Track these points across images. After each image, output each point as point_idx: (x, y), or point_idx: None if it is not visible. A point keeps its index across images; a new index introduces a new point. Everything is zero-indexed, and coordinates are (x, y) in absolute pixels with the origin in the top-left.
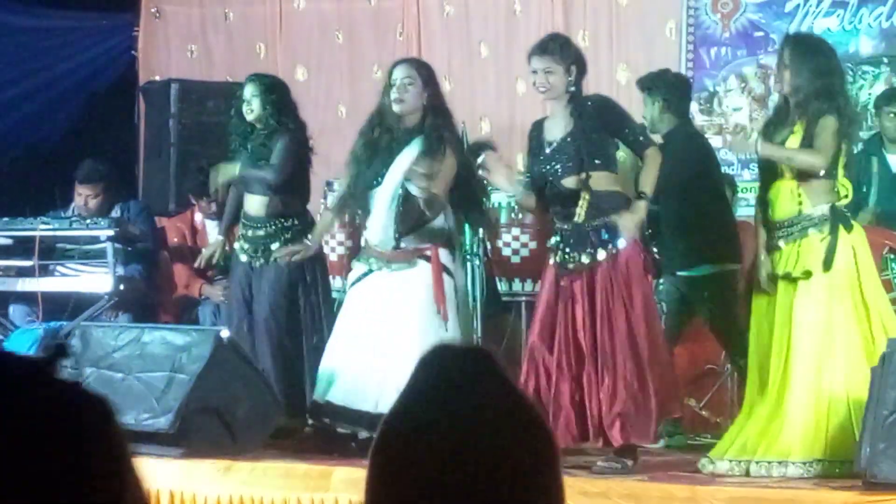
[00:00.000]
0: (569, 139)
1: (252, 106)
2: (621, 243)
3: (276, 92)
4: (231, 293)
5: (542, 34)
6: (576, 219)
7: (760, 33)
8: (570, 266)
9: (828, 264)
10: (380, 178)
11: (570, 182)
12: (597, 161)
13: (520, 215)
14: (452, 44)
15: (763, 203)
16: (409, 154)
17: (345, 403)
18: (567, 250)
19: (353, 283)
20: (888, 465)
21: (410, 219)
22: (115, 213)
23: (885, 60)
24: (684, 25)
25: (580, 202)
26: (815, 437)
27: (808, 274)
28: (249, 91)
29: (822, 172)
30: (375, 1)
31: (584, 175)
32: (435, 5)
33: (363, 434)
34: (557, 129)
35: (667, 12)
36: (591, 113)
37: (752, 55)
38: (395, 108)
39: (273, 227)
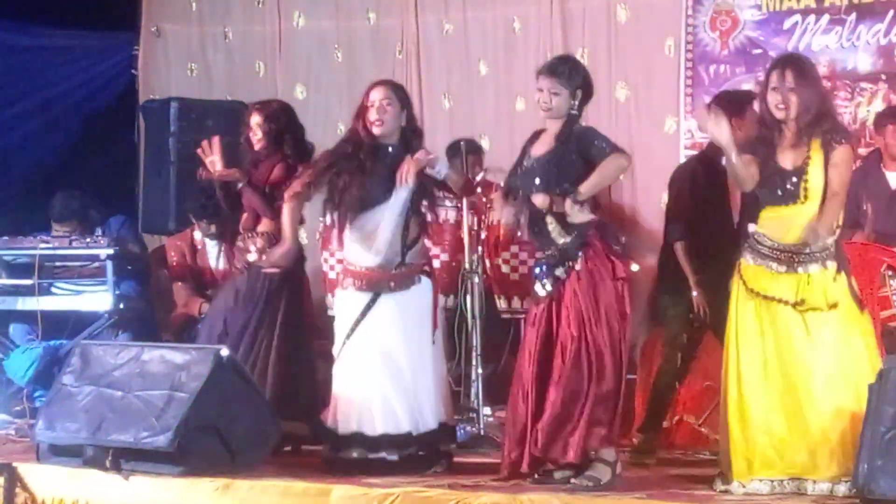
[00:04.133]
0: (546, 159)
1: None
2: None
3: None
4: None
5: (542, 52)
6: (557, 240)
7: (759, 51)
8: (542, 294)
9: (861, 304)
10: (377, 199)
11: (537, 200)
12: (566, 185)
13: (519, 233)
14: (452, 62)
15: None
16: (412, 175)
17: (354, 430)
18: (535, 273)
19: (364, 311)
20: (886, 481)
21: (410, 236)
22: (97, 233)
23: (883, 77)
24: (683, 43)
25: (549, 223)
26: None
27: (833, 306)
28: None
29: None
30: (375, 19)
31: (551, 195)
32: (434, 24)
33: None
34: (542, 146)
35: (666, 30)
36: (570, 137)
37: (751, 72)
38: (375, 129)
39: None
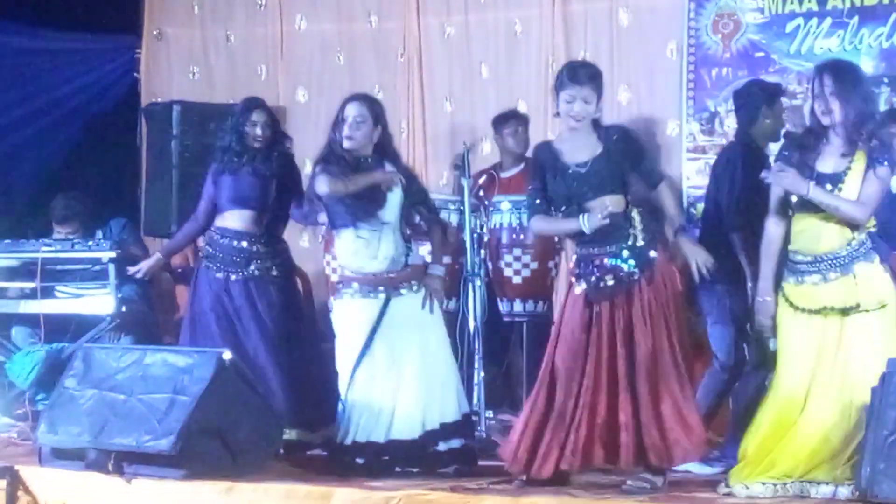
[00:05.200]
0: (597, 163)
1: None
2: (654, 259)
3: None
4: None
5: (543, 55)
6: (635, 242)
7: (761, 54)
8: (611, 286)
9: None
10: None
11: (594, 205)
12: (619, 186)
13: (521, 236)
14: (453, 65)
15: (784, 235)
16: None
17: (367, 439)
18: (598, 274)
19: (378, 318)
20: (888, 484)
21: (412, 232)
22: (98, 235)
23: (886, 80)
24: (685, 46)
25: (635, 223)
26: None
27: (883, 306)
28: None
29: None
30: (376, 22)
31: (626, 198)
32: (436, 26)
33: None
34: (582, 152)
35: (668, 33)
36: (617, 140)
37: (753, 75)
38: (346, 144)
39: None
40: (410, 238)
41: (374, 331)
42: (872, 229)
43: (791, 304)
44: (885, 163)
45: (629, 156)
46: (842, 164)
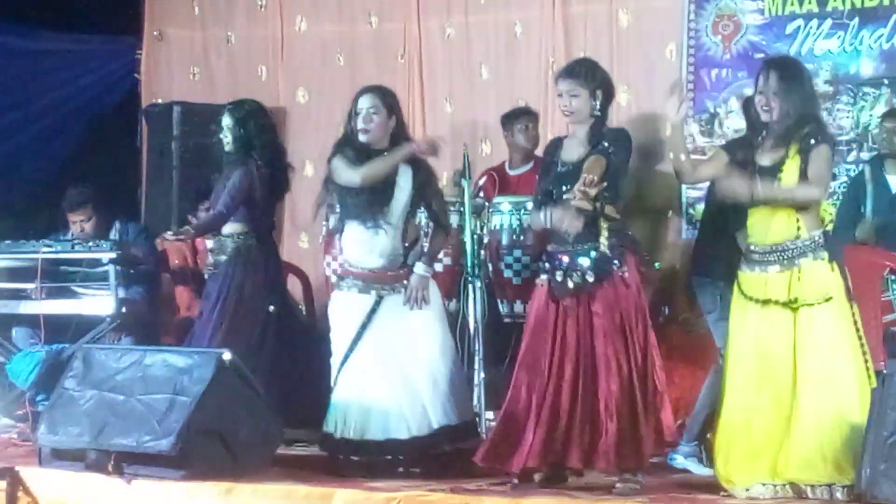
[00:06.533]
0: (582, 163)
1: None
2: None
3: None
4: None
5: (543, 57)
6: (598, 248)
7: (761, 55)
8: (570, 286)
9: (850, 293)
10: (377, 203)
11: (578, 204)
12: (605, 192)
13: (521, 237)
14: (453, 66)
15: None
16: (406, 174)
17: (359, 436)
18: (566, 271)
19: (370, 314)
20: (889, 485)
21: (409, 238)
22: (114, 234)
23: (886, 82)
24: (685, 47)
25: (602, 229)
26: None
27: (828, 300)
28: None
29: (822, 202)
30: (377, 24)
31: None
32: (436, 28)
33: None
34: (574, 151)
35: (667, 34)
36: (605, 144)
37: (753, 77)
38: (361, 137)
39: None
40: (413, 242)
41: (363, 326)
42: (829, 227)
43: (743, 294)
44: (821, 140)
45: (612, 149)
46: (777, 155)
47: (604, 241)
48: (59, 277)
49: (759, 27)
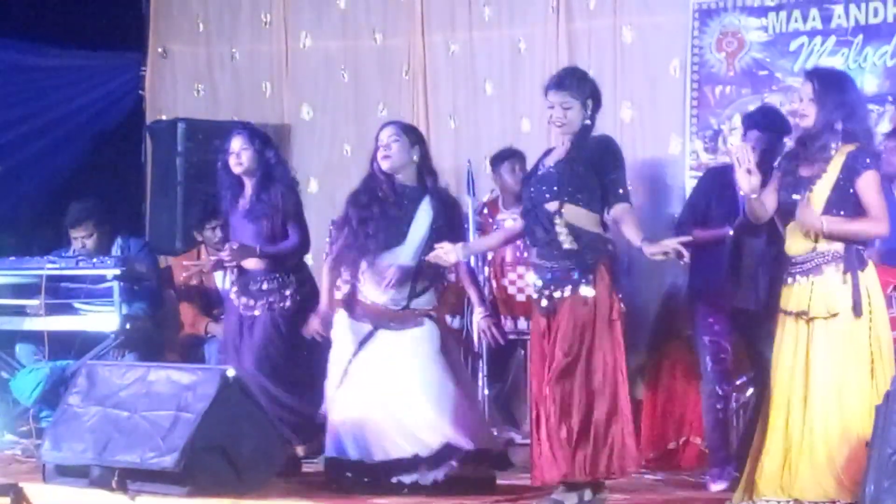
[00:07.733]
0: (556, 167)
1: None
2: (587, 291)
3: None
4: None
5: (547, 73)
6: (564, 246)
7: (765, 72)
8: (544, 304)
9: (857, 309)
10: (392, 240)
11: (551, 206)
12: (578, 196)
13: (525, 254)
14: (457, 82)
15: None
16: (426, 215)
17: (360, 458)
18: (542, 286)
19: (362, 343)
20: (892, 502)
21: (425, 279)
22: (115, 250)
23: (890, 98)
24: (689, 64)
25: (558, 228)
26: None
27: (833, 315)
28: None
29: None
30: (381, 40)
31: (560, 203)
32: (440, 44)
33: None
34: (555, 156)
35: (671, 51)
36: (590, 148)
37: (757, 94)
38: (384, 164)
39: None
40: (425, 289)
41: (361, 346)
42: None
43: (781, 307)
44: (871, 163)
45: (597, 164)
46: (816, 169)
47: (566, 244)
48: (62, 294)
49: (763, 44)
